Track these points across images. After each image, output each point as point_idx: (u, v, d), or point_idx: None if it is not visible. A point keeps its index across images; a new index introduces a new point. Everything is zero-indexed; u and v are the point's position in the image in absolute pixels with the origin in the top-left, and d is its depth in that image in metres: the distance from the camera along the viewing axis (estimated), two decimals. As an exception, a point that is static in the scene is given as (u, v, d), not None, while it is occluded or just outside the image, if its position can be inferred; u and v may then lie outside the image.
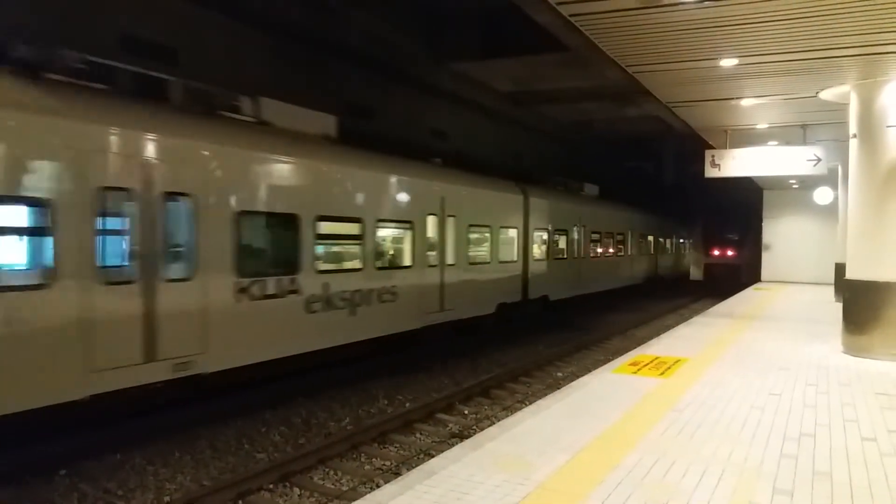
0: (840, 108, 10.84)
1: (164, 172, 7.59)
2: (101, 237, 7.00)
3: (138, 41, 11.70)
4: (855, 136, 9.85)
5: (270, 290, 9.01)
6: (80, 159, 6.76)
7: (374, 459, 7.79)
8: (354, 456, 7.88)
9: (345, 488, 6.84)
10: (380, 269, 11.33)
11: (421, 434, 8.87)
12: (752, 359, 9.41)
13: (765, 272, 26.75)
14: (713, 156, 12.98)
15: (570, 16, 7.34)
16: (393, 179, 11.68)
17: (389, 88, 18.50)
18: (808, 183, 21.79)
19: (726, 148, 13.14)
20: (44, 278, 6.53)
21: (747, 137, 14.44)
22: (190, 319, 7.85)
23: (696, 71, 9.61)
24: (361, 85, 17.40)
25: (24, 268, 7.03)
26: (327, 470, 7.38)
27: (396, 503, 4.27)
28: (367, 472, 7.30)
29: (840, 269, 16.27)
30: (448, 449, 5.71)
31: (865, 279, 9.57)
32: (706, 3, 6.83)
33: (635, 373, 8.35)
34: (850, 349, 9.81)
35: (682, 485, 4.62)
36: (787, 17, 7.22)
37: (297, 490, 6.83)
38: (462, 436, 8.56)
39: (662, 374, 8.30)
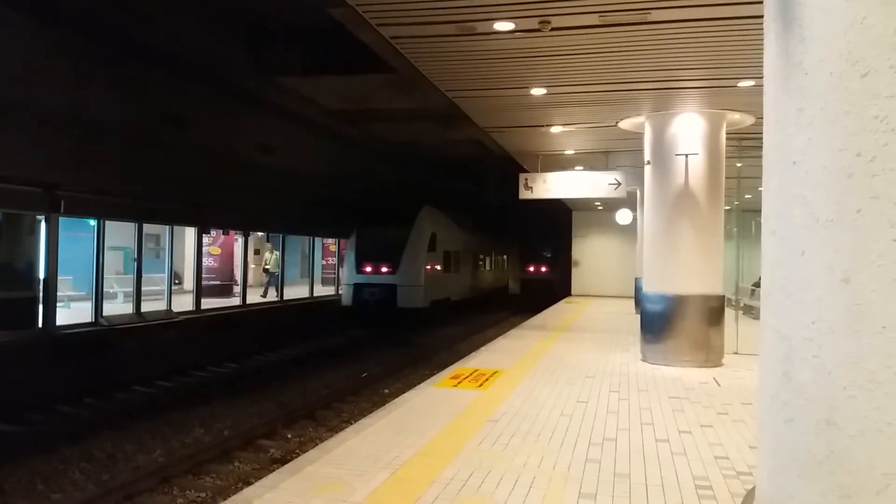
0: (637, 136, 11.55)
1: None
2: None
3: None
4: (649, 162, 10.52)
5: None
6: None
7: (187, 492, 7.29)
8: (166, 490, 7.33)
9: (153, 524, 6.31)
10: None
11: (240, 462, 8.44)
12: (562, 368, 9.79)
13: (575, 286, 28.64)
14: (526, 179, 13.46)
15: (392, 38, 7.35)
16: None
17: (209, 98, 17.55)
18: (611, 205, 23.09)
19: (538, 171, 13.70)
20: None
21: (557, 162, 15.13)
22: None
23: (509, 98, 9.96)
24: (175, 92, 16.33)
25: None
26: (134, 506, 6.81)
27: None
28: (179, 506, 6.79)
29: (639, 283, 17.38)
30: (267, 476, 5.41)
31: (659, 293, 10.20)
32: (517, 33, 7.11)
33: (455, 386, 8.44)
34: (648, 357, 10.38)
35: (496, 495, 4.68)
36: (589, 51, 7.68)
37: (98, 530, 6.20)
38: (284, 461, 8.26)
39: (481, 385, 8.45)
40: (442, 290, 24.50)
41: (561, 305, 23.34)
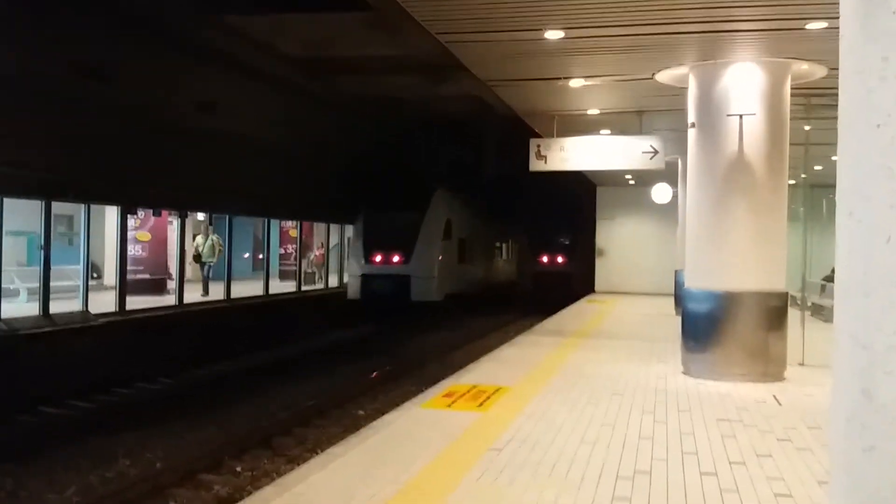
0: (679, 92, 11.49)
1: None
2: None
3: None
4: (693, 125, 10.50)
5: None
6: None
7: (109, 540, 7.27)
8: (81, 536, 7.32)
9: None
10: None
11: (175, 502, 8.41)
12: (583, 384, 9.80)
13: (599, 281, 28.79)
14: (538, 146, 13.46)
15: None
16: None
17: (137, 44, 17.29)
18: (645, 178, 22.94)
19: (553, 136, 13.69)
20: None
21: (577, 125, 15.02)
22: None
23: (517, 44, 9.91)
24: (93, 38, 16.06)
25: None
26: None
27: None
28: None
29: (680, 277, 17.36)
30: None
31: (704, 289, 10.19)
32: (527, -40, 7.04)
33: (449, 406, 8.46)
34: (690, 369, 10.39)
35: (499, 543, 4.68)
36: (618, -17, 7.61)
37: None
38: (232, 500, 8.25)
39: (481, 405, 8.47)
40: (457, 282, 27.02)
41: (582, 305, 23.45)
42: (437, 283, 25.05)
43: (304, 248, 27.74)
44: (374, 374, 16.08)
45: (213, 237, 22.40)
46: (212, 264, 22.29)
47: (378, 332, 22.15)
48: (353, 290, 25.35)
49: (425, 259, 25.01)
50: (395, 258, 25.01)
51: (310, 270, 28.90)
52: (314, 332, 21.79)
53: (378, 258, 25.09)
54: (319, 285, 28.86)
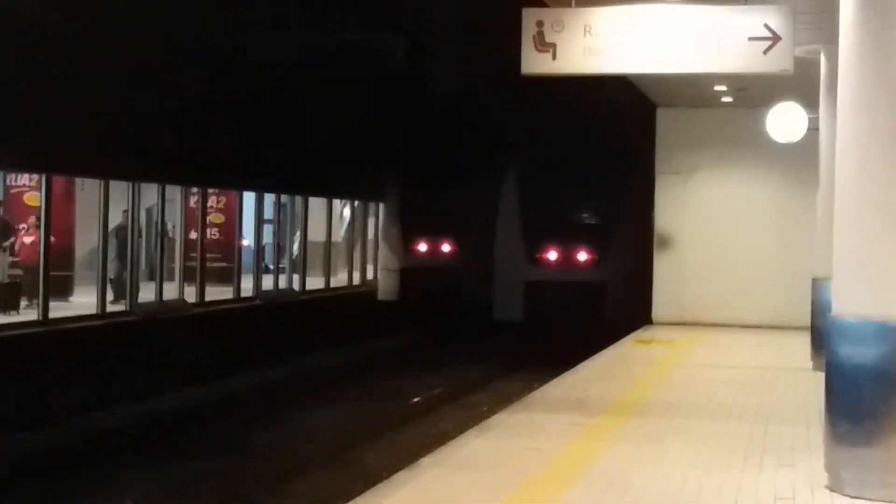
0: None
1: None
2: None
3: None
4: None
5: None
6: None
7: None
8: None
9: None
10: None
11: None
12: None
13: (660, 301, 19.41)
14: (541, 24, 10.22)
15: None
16: None
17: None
18: (754, 94, 16.78)
19: (571, 5, 10.48)
20: None
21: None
22: None
23: None
24: None
25: None
26: None
27: None
28: None
29: (823, 292, 12.32)
30: None
31: (875, 319, 7.13)
32: None
33: None
34: (843, 480, 7.24)
35: None
36: None
37: None
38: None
39: None
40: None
41: (625, 349, 16.58)
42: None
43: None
44: None
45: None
46: None
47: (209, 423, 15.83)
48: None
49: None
50: (445, 247, 24.23)
51: None
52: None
53: (422, 247, 24.01)
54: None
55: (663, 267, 19.34)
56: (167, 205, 21.11)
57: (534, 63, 10.43)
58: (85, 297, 18.83)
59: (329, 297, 25.45)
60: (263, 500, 10.87)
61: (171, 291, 20.23)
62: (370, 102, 24.12)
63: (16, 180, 19.39)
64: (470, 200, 24.54)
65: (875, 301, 7.03)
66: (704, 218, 19.12)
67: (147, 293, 19.64)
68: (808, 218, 15.43)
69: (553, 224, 23.83)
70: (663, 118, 19.71)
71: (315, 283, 25.12)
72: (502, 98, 20.57)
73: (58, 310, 17.52)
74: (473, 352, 22.29)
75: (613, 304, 21.86)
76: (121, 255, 18.94)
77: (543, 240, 23.89)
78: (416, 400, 16.72)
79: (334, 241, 27.16)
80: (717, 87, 17.33)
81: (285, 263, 24.61)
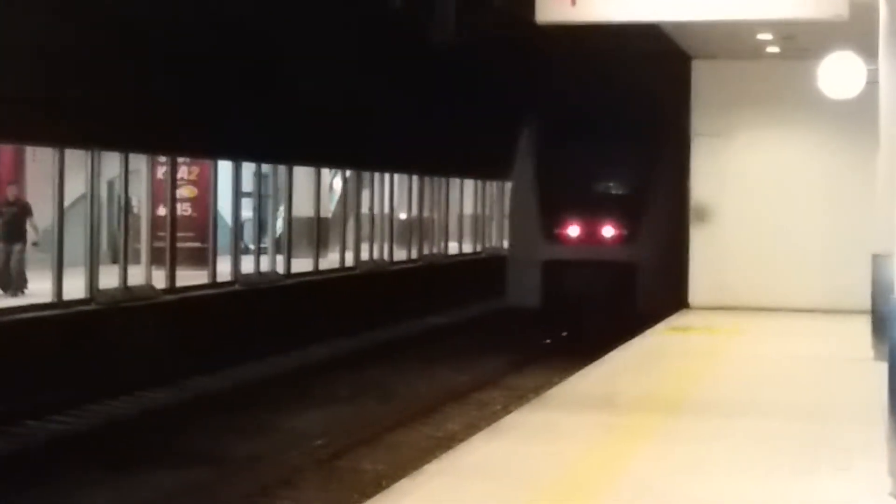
0: None
1: None
2: None
3: None
4: None
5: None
6: None
7: None
8: None
9: None
10: None
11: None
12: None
13: (698, 283, 18.52)
14: None
15: None
16: None
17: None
18: (803, 42, 15.80)
19: None
20: None
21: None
22: None
23: None
24: None
25: None
26: None
27: None
28: None
29: (885, 270, 11.35)
30: None
31: None
32: None
33: None
34: None
35: None
36: None
37: None
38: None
39: None
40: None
41: (659, 338, 15.82)
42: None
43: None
44: None
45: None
46: None
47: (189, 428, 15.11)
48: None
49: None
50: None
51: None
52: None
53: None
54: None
55: (700, 242, 18.34)
56: (131, 176, 19.41)
57: (550, 10, 10.15)
58: (38, 282, 17.29)
59: (318, 280, 24.05)
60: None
61: (136, 276, 18.63)
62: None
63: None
64: None
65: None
66: (747, 187, 18.01)
67: (110, 278, 17.98)
68: (867, 185, 14.39)
69: (573, 196, 21.90)
70: (699, 72, 18.54)
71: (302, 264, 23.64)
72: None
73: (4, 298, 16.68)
74: (484, 341, 21.24)
75: (644, 285, 20.43)
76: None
77: (563, 213, 21.80)
78: (418, 398, 15.67)
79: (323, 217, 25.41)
80: (762, 36, 16.10)
81: (266, 242, 23.01)
